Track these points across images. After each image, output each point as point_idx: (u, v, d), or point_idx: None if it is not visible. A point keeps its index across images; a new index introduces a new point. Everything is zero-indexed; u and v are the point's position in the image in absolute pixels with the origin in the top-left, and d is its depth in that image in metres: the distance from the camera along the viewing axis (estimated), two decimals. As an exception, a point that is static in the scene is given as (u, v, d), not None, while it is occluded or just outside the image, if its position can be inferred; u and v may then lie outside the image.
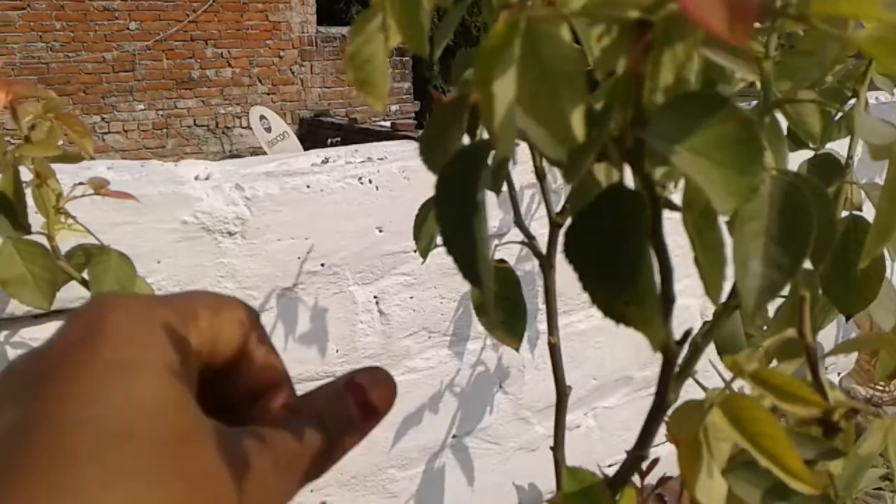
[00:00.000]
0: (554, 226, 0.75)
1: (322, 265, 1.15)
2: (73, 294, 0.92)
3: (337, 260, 1.16)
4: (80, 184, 0.95)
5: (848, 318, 0.88)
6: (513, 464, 1.41)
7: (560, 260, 0.43)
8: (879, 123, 0.51)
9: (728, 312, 0.52)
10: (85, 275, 0.83)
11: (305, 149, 7.85)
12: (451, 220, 0.44)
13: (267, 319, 1.10)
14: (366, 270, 1.19)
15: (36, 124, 0.80)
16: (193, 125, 7.68)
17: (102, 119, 7.21)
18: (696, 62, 0.46)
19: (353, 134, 7.69)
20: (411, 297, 1.24)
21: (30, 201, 0.81)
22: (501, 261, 0.76)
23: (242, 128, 7.93)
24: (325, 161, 1.22)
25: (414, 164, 1.23)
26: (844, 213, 0.94)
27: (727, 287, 0.48)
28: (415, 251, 1.27)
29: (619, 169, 0.45)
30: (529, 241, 0.78)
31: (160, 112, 7.49)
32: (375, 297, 1.20)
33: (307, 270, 1.13)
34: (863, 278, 0.77)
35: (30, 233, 0.78)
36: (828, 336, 1.96)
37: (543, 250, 0.77)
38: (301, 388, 1.09)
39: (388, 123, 7.82)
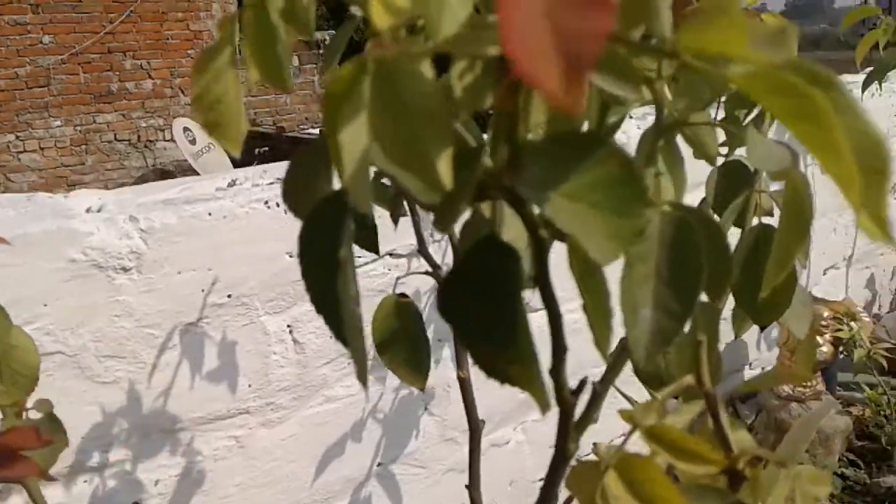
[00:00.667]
0: (457, 252, 0.72)
1: (229, 296, 1.09)
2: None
3: (245, 290, 1.10)
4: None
5: (762, 329, 0.87)
6: (442, 487, 1.37)
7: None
8: (775, 147, 0.49)
9: (624, 357, 0.49)
10: (-46, 328, 0.76)
11: (232, 159, 7.69)
12: (315, 280, 0.40)
13: (169, 358, 1.04)
14: (277, 298, 1.14)
15: None
16: (114, 140, 7.45)
17: (17, 137, 6.93)
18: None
19: (281, 143, 7.56)
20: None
21: None
22: (403, 295, 0.72)
23: (166, 140, 7.73)
24: (232, 184, 1.16)
25: (323, 184, 1.18)
26: (754, 221, 0.92)
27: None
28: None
29: (497, 211, 0.42)
30: (434, 271, 0.74)
31: (78, 128, 7.24)
32: (289, 325, 1.15)
33: (212, 303, 1.08)
34: (774, 288, 0.76)
35: None
36: (750, 334, 1.98)
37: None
38: (212, 428, 1.03)
39: (316, 131, 7.72)
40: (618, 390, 0.72)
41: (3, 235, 0.92)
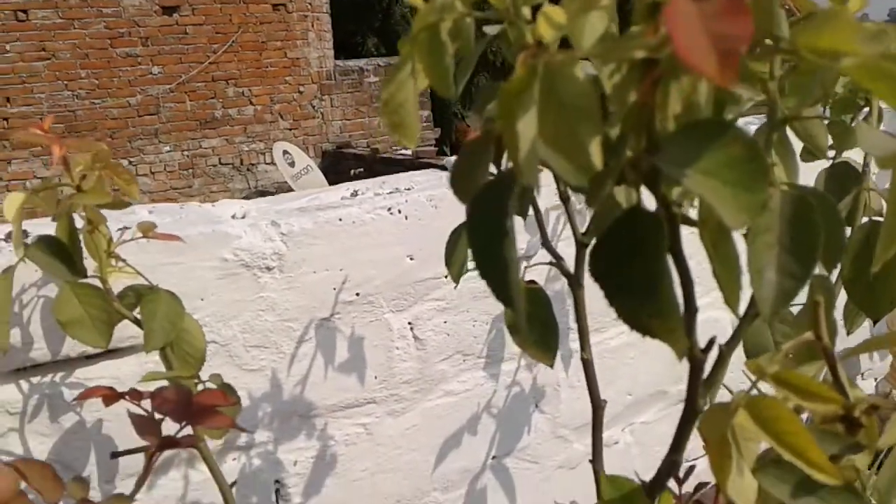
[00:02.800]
0: (580, 246, 0.79)
1: (357, 294, 1.19)
2: (124, 333, 0.97)
3: (371, 289, 1.20)
4: (125, 228, 1.00)
5: (875, 322, 0.90)
6: (553, 483, 1.43)
7: (588, 279, 0.46)
8: (883, 136, 0.54)
9: (749, 321, 0.55)
10: (137, 314, 0.87)
11: (329, 181, 7.95)
12: (483, 245, 0.48)
13: (306, 350, 1.14)
14: (399, 298, 1.23)
15: (86, 174, 0.85)
16: (219, 164, 7.82)
17: (130, 163, 7.35)
18: (703, 89, 0.50)
19: (375, 164, 7.78)
20: (445, 322, 1.27)
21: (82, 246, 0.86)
22: (532, 282, 0.79)
23: (266, 164, 8.06)
24: (355, 194, 1.26)
25: (440, 192, 1.27)
26: (864, 220, 0.96)
27: (747, 297, 0.51)
28: (446, 277, 1.31)
29: (637, 191, 0.49)
30: (557, 262, 0.81)
31: (185, 153, 7.63)
32: (410, 323, 1.24)
33: (343, 300, 1.18)
34: (886, 281, 0.80)
35: (85, 276, 0.83)
36: (861, 339, 1.96)
37: (571, 270, 0.80)
38: (343, 416, 1.13)
39: (409, 152, 7.91)
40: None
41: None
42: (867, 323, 1.09)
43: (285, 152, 7.90)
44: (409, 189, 1.30)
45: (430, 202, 1.26)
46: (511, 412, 1.36)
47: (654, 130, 0.43)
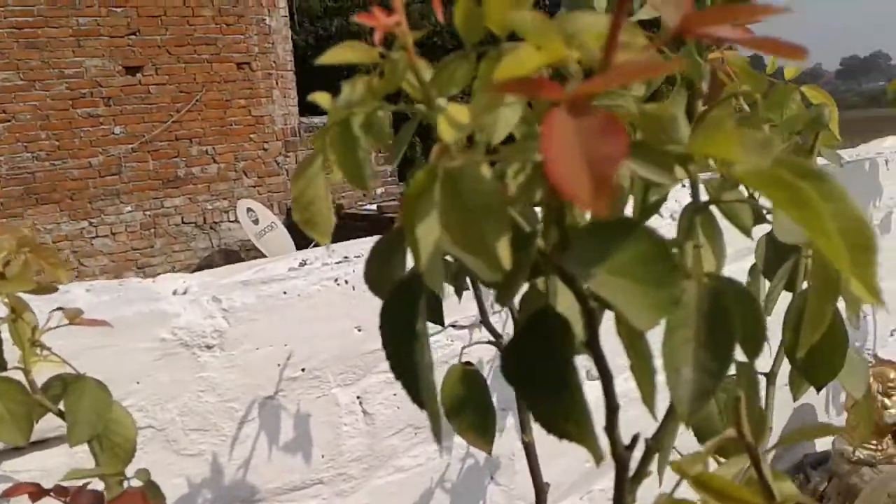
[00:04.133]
0: (517, 322, 0.77)
1: (303, 370, 1.16)
2: (53, 423, 0.93)
3: (317, 363, 1.17)
4: (59, 308, 0.97)
5: (818, 390, 0.90)
6: (510, 555, 1.40)
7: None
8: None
9: (674, 416, 0.54)
10: (61, 405, 0.84)
11: (294, 237, 7.92)
12: (395, 350, 0.46)
13: (249, 431, 1.11)
14: (347, 371, 1.20)
15: (10, 259, 0.82)
16: (181, 223, 7.76)
17: (90, 224, 7.27)
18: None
19: (339, 219, 7.75)
20: (394, 395, 1.24)
21: (5, 334, 0.83)
22: (468, 363, 0.77)
23: (230, 222, 8.01)
24: (303, 264, 1.24)
25: (388, 262, 1.26)
26: (804, 286, 0.96)
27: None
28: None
29: (549, 287, 0.48)
30: (496, 341, 0.80)
31: (147, 213, 7.56)
32: (358, 397, 1.21)
33: (287, 377, 1.14)
34: (827, 350, 0.79)
35: (5, 369, 0.80)
36: (818, 399, 1.96)
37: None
38: (288, 499, 1.09)
39: (374, 207, 7.92)
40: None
41: (103, 317, 1.01)
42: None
43: (249, 210, 7.87)
44: (358, 257, 1.28)
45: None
46: (465, 486, 1.33)
47: (563, 227, 0.42)
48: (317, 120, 8.81)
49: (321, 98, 0.48)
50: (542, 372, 0.42)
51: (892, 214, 2.04)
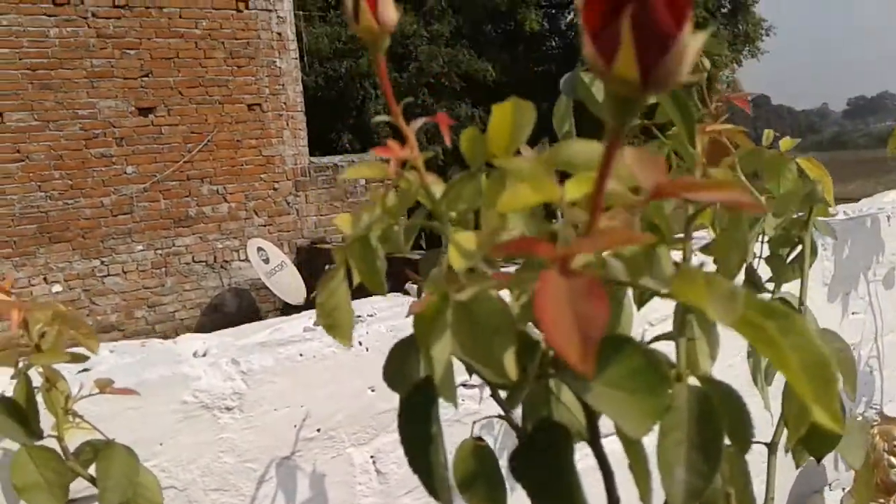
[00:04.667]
0: (501, 386, 0.81)
1: (318, 430, 1.19)
2: (82, 485, 0.97)
3: (333, 424, 1.21)
4: (85, 370, 1.01)
5: (819, 461, 0.93)
6: None
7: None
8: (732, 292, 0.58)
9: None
10: (92, 470, 0.88)
11: (303, 276, 7.99)
12: (412, 447, 0.50)
13: (267, 491, 1.14)
14: (361, 431, 1.24)
15: (45, 332, 0.86)
16: (192, 262, 7.83)
17: (102, 263, 7.35)
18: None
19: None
20: (406, 453, 1.28)
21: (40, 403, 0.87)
22: (479, 439, 0.80)
23: (241, 261, 8.08)
24: (318, 323, 1.28)
25: (400, 322, 1.30)
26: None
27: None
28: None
29: (554, 393, 0.52)
30: (506, 415, 0.83)
31: (159, 251, 7.65)
32: (372, 456, 1.24)
33: (304, 437, 1.18)
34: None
35: (41, 437, 0.84)
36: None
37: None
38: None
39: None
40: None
41: (125, 381, 1.05)
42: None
43: (259, 249, 7.94)
44: (371, 316, 1.32)
45: (390, 332, 1.28)
46: (475, 542, 1.35)
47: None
48: (325, 160, 8.92)
49: (342, 221, 0.53)
50: (546, 476, 0.46)
51: (894, 270, 2.08)
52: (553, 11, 13.84)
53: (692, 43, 0.28)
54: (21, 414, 0.81)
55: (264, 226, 8.30)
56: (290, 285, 7.85)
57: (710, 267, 0.71)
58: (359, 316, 1.32)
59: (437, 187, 0.51)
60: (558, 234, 0.39)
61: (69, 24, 7.12)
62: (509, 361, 0.44)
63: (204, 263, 7.92)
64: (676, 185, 0.34)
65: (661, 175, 0.34)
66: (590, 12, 0.29)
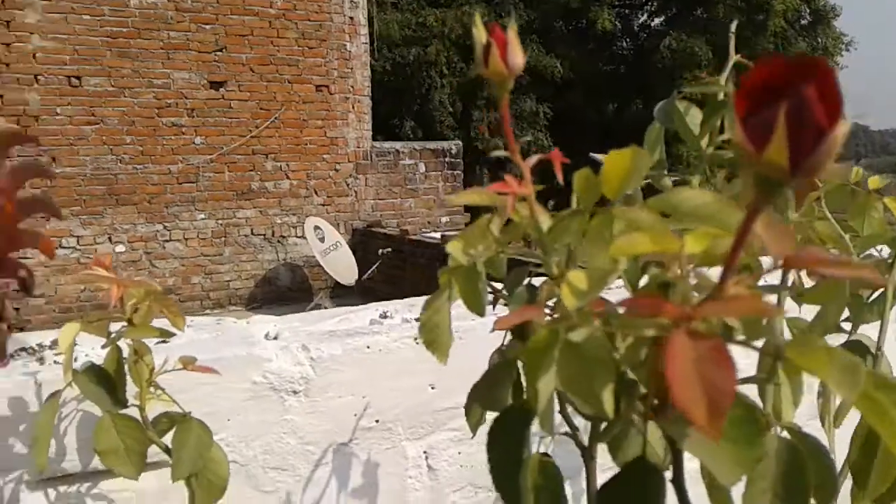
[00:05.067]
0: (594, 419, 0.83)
1: (377, 421, 1.23)
2: (152, 450, 1.02)
3: (391, 416, 1.24)
4: (164, 341, 1.06)
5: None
6: None
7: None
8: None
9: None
10: (167, 440, 0.92)
11: (357, 258, 8.08)
12: (502, 472, 0.53)
13: (322, 474, 1.18)
14: (417, 426, 1.27)
15: (138, 307, 0.91)
16: (251, 234, 7.98)
17: (164, 227, 7.54)
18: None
19: (403, 245, 7.90)
20: (459, 453, 1.30)
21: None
22: (546, 454, 0.83)
23: (297, 237, 8.21)
24: (384, 315, 1.32)
25: (465, 324, 1.32)
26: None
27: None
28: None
29: (645, 433, 0.54)
30: (573, 433, 0.85)
31: (220, 221, 7.81)
32: (425, 452, 1.28)
33: (362, 426, 1.22)
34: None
35: (126, 406, 0.89)
36: None
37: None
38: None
39: (438, 235, 8.02)
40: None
41: (202, 357, 1.09)
42: None
43: (316, 227, 8.06)
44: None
45: (455, 333, 1.30)
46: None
47: (664, 391, 0.48)
48: (387, 145, 8.99)
49: (453, 248, 0.55)
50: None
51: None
52: (626, 12, 13.69)
53: (841, 135, 0.30)
54: (110, 382, 0.86)
55: (323, 205, 8.41)
56: (343, 266, 7.95)
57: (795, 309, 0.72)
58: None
59: (545, 220, 0.53)
60: (673, 288, 0.40)
61: (151, -5, 7.30)
62: (608, 398, 0.46)
63: (262, 237, 8.07)
64: (807, 259, 0.36)
65: (791, 246, 0.36)
66: (742, 100, 0.31)
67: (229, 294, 7.84)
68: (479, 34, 0.49)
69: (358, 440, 1.22)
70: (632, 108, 12.35)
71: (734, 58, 0.90)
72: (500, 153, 0.55)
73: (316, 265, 7.99)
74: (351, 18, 8.38)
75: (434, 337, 0.56)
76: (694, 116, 0.90)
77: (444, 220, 9.21)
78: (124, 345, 0.91)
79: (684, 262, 0.43)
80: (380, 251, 8.03)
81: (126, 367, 0.91)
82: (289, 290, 8.17)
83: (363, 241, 8.42)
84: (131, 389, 0.94)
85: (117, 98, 7.29)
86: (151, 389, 0.93)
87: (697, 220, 0.48)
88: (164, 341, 1.09)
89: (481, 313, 0.56)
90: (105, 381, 0.86)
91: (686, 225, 0.50)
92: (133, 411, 0.91)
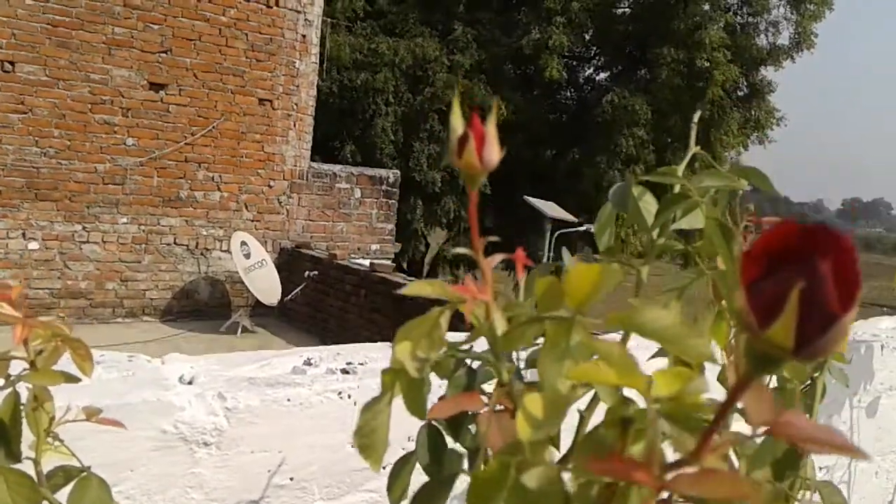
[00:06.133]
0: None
1: (291, 479, 1.17)
2: None
3: (306, 474, 1.18)
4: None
5: None
6: None
7: None
8: None
9: None
10: (60, 496, 0.84)
11: (281, 278, 7.93)
12: None
13: (229, 534, 1.11)
14: (332, 486, 1.21)
15: (43, 348, 0.83)
16: (173, 243, 7.76)
17: (84, 228, 7.27)
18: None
19: (330, 269, 7.79)
20: (374, 516, 1.25)
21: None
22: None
23: (222, 251, 8.02)
24: (308, 363, 1.26)
25: (392, 381, 1.28)
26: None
27: None
28: (384, 468, 1.29)
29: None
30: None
31: (142, 227, 7.57)
32: (339, 513, 1.22)
33: (275, 484, 1.15)
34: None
35: (20, 460, 0.81)
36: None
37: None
38: None
39: (367, 262, 7.94)
40: None
41: (109, 400, 1.02)
42: None
43: (243, 243, 7.88)
44: (362, 364, 1.30)
45: (380, 388, 1.26)
46: None
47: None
48: (325, 167, 8.90)
49: (401, 350, 0.51)
50: None
51: (879, 399, 2.08)
52: (574, 63, 13.97)
53: (850, 321, 0.28)
54: (4, 433, 0.78)
55: (252, 220, 8.25)
56: (266, 284, 7.78)
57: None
58: (349, 363, 1.30)
59: (501, 325, 0.49)
60: (649, 444, 0.37)
61: (98, -12, 7.10)
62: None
63: (185, 247, 7.85)
64: (791, 429, 0.33)
65: (771, 415, 0.33)
66: (749, 264, 0.28)
67: (144, 304, 7.57)
68: (456, 123, 0.45)
69: (269, 499, 1.15)
70: (568, 157, 12.54)
71: (693, 149, 0.89)
72: (463, 250, 0.51)
73: (238, 281, 7.81)
74: (303, 36, 8.31)
75: (369, 442, 0.52)
76: (648, 203, 0.88)
77: (374, 247, 9.15)
78: (23, 388, 0.84)
79: (651, 406, 0.40)
80: (306, 273, 7.89)
81: (23, 413, 0.83)
82: (207, 305, 7.95)
83: (289, 262, 8.28)
84: (26, 437, 0.86)
85: (50, 89, 7.04)
86: (49, 440, 0.85)
87: (663, 342, 0.45)
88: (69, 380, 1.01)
89: (422, 416, 0.52)
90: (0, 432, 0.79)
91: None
92: (27, 464, 0.83)
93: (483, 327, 0.49)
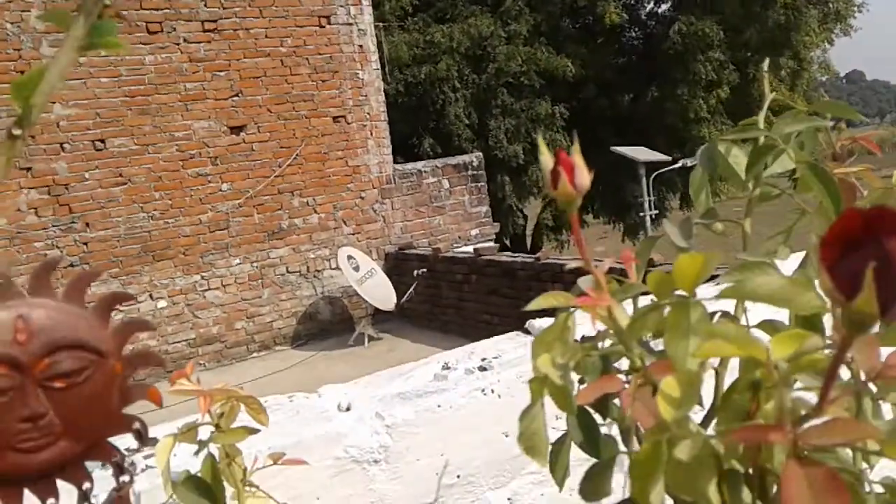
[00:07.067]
0: None
1: (458, 477, 1.25)
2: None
3: (471, 469, 1.26)
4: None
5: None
6: None
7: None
8: None
9: None
10: (268, 534, 0.95)
11: (393, 282, 8.13)
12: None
13: (414, 537, 1.21)
14: (498, 475, 1.29)
15: (223, 411, 0.94)
16: (286, 272, 8.07)
17: (202, 277, 7.65)
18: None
19: (437, 263, 7.94)
20: (542, 494, 1.32)
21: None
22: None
23: (332, 269, 8.28)
24: (446, 367, 1.35)
25: (528, 368, 1.34)
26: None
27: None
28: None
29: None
30: None
31: (254, 264, 7.91)
32: (509, 498, 1.30)
33: (445, 484, 1.24)
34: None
35: (226, 510, 0.92)
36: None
37: None
38: None
39: (470, 249, 8.04)
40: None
41: (284, 441, 1.13)
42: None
43: (350, 257, 8.12)
44: (496, 358, 1.38)
45: (519, 379, 1.33)
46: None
47: (763, 478, 0.50)
48: (409, 166, 9.04)
49: (542, 363, 0.57)
50: None
51: None
52: (633, 2, 13.64)
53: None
54: (209, 491, 0.89)
55: (353, 234, 8.48)
56: (380, 291, 8.00)
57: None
58: (483, 358, 1.38)
59: (623, 318, 0.55)
60: (778, 404, 0.42)
61: (163, 51, 7.43)
62: (713, 492, 0.48)
63: (297, 273, 8.15)
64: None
65: (879, 363, 0.38)
66: (826, 251, 0.33)
67: (273, 335, 7.92)
68: (546, 160, 0.51)
69: (443, 498, 1.24)
70: (647, 97, 12.29)
71: (769, 97, 0.91)
72: (577, 264, 0.57)
73: (354, 294, 8.05)
74: (360, 46, 8.45)
75: (533, 444, 0.59)
76: (737, 157, 0.91)
77: (473, 232, 9.24)
78: (214, 448, 0.95)
79: (773, 371, 0.45)
80: (415, 272, 8.07)
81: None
82: (330, 323, 8.24)
83: (397, 265, 8.47)
84: (228, 489, 0.98)
85: (142, 155, 7.42)
86: (247, 488, 0.96)
87: (777, 304, 0.50)
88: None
89: (571, 412, 0.58)
90: (204, 490, 0.90)
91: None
92: (232, 511, 0.94)
93: (609, 324, 0.55)
